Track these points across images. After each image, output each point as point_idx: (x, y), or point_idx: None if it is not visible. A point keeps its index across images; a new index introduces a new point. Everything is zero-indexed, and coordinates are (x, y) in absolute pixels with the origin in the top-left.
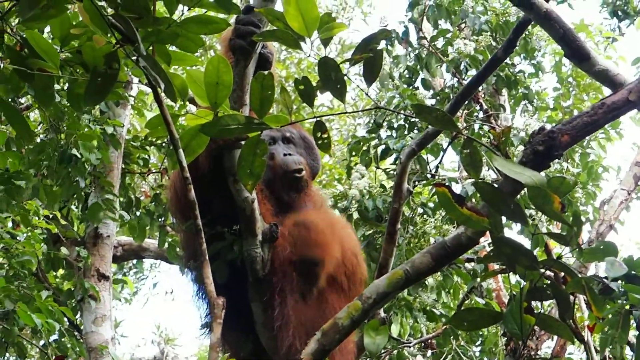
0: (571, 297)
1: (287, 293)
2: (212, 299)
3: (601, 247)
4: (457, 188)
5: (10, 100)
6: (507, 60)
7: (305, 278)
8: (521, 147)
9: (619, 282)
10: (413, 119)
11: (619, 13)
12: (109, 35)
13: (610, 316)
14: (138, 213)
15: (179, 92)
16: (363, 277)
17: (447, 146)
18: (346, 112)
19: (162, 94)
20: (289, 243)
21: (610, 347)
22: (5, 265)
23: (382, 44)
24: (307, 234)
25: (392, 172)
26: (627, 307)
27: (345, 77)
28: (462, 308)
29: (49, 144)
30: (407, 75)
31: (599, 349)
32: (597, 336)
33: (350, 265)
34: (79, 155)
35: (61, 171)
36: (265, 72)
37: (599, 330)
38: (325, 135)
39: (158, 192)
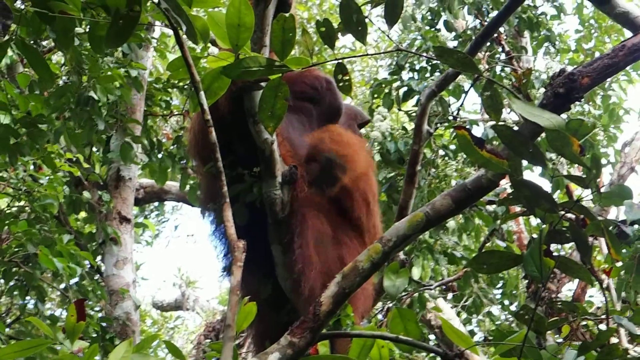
0: (590, 240)
1: (308, 234)
2: (232, 241)
3: (617, 190)
4: (478, 130)
5: (32, 42)
6: (529, 2)
7: (325, 177)
8: (542, 90)
9: (636, 226)
10: (435, 61)
11: None
12: None
13: (626, 260)
14: (160, 155)
15: (200, 34)
16: (377, 219)
17: (469, 88)
18: (367, 55)
19: (184, 36)
20: (317, 140)
21: (625, 291)
22: (27, 209)
23: None
24: (339, 137)
25: (414, 114)
26: None
27: (367, 19)
28: (483, 251)
29: (70, 87)
30: (429, 17)
31: (617, 293)
32: (615, 280)
33: (368, 199)
34: (96, 98)
35: (82, 114)
36: (287, 14)
37: (615, 274)
38: (347, 78)
39: (180, 134)
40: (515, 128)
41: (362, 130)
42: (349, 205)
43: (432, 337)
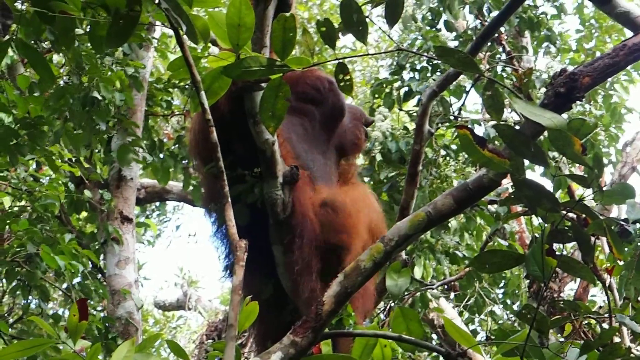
0: (592, 239)
1: (309, 237)
2: (234, 241)
3: (619, 189)
4: (480, 130)
5: (32, 43)
6: (530, 2)
7: (330, 262)
8: (543, 89)
9: (637, 225)
10: (436, 61)
11: None
12: None
13: (628, 259)
14: (161, 155)
15: (200, 33)
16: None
17: (470, 88)
18: (368, 54)
19: (184, 36)
20: (316, 226)
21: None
22: (29, 208)
23: None
24: (334, 218)
25: (414, 114)
26: None
27: (368, 19)
28: (485, 250)
29: (70, 88)
30: (430, 17)
31: (619, 291)
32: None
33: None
34: (100, 98)
35: (83, 115)
36: (287, 14)
37: (618, 272)
38: (347, 77)
39: (181, 134)
40: (517, 128)
41: None
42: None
43: (434, 336)
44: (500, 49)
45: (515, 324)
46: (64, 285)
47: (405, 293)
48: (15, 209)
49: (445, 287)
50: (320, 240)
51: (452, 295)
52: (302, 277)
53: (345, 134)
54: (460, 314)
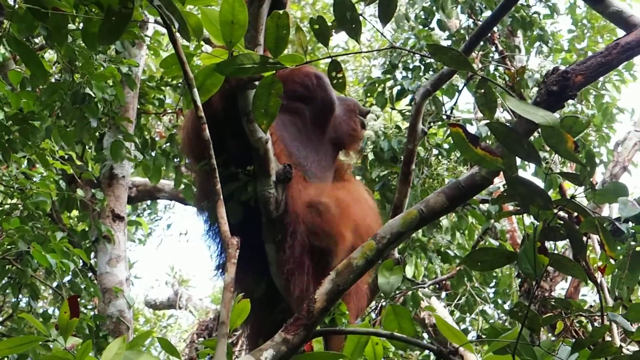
0: (584, 238)
1: (301, 236)
2: (226, 238)
3: (612, 187)
4: (471, 129)
5: (24, 39)
6: (523, 2)
7: (317, 264)
8: (535, 89)
9: (630, 223)
10: (429, 60)
11: None
12: None
13: (620, 257)
14: (153, 153)
15: (193, 31)
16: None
17: (462, 87)
18: (361, 52)
19: (177, 33)
20: (303, 227)
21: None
22: (20, 206)
23: None
24: (319, 222)
25: (407, 113)
26: (637, 248)
27: (361, 17)
28: (477, 248)
29: (62, 85)
30: (423, 16)
31: (611, 290)
32: (609, 278)
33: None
34: (92, 94)
35: (74, 112)
36: (281, 12)
37: (610, 271)
38: (340, 75)
39: (173, 132)
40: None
41: None
42: None
43: (425, 335)
44: (493, 49)
45: (507, 324)
46: (55, 284)
47: (397, 292)
48: (7, 206)
49: (437, 286)
50: (308, 241)
51: (443, 294)
52: (294, 276)
53: (341, 127)
54: (452, 313)
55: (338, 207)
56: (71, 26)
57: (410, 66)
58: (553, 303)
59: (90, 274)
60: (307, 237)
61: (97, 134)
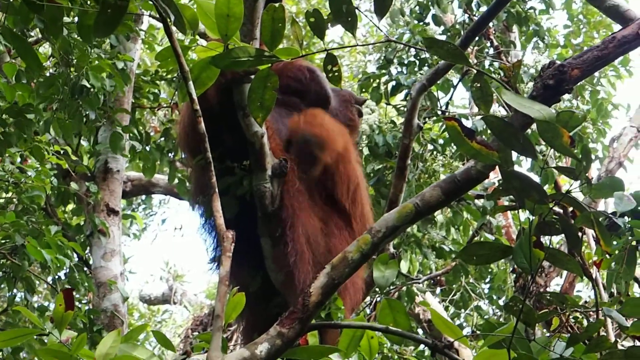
0: (579, 233)
1: (299, 227)
2: (221, 232)
3: (608, 182)
4: (467, 124)
5: (20, 32)
6: None
7: (305, 158)
8: (531, 84)
9: (626, 218)
10: (424, 55)
11: None
12: None
13: (616, 252)
14: (148, 148)
15: (189, 24)
16: (366, 208)
17: (458, 82)
18: (357, 45)
19: (172, 26)
20: (297, 125)
21: (615, 282)
22: (15, 200)
23: None
24: (314, 119)
25: (402, 108)
26: (634, 243)
27: (356, 11)
28: (473, 242)
29: (58, 77)
30: (418, 11)
31: (606, 285)
32: (604, 273)
33: (351, 183)
34: (89, 86)
35: (72, 104)
36: (276, 5)
37: (606, 266)
38: (336, 68)
39: (168, 127)
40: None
41: None
42: (333, 189)
43: (420, 331)
44: (489, 44)
45: (502, 319)
46: (50, 278)
47: (392, 287)
48: (1, 200)
49: (432, 281)
50: (300, 134)
51: (438, 289)
52: (294, 270)
53: (338, 118)
54: (446, 308)
55: (333, 122)
56: (66, 19)
57: (406, 61)
58: (549, 298)
59: (85, 269)
60: (300, 129)
61: (94, 126)
